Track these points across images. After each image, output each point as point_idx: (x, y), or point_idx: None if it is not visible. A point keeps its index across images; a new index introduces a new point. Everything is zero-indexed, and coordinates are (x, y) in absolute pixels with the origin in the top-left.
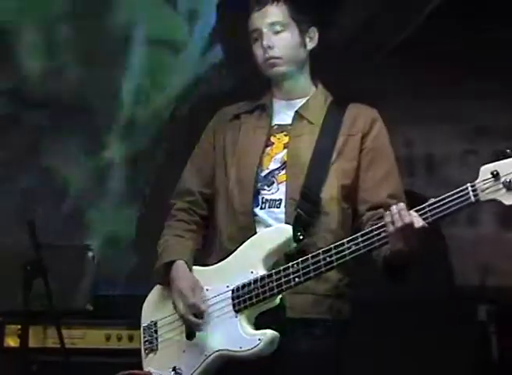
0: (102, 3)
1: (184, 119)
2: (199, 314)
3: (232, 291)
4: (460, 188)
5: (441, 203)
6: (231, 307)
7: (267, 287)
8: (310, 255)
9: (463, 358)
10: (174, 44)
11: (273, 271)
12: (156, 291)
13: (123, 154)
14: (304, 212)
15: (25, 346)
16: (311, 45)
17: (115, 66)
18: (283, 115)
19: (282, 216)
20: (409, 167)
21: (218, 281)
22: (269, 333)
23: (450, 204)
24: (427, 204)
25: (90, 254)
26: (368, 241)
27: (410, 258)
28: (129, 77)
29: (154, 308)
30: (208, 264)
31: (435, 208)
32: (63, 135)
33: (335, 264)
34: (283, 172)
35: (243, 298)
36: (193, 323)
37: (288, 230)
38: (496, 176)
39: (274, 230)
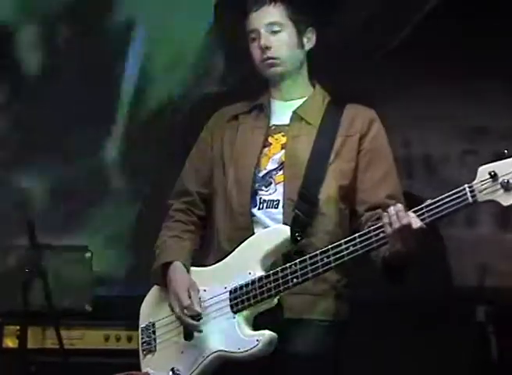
0: (102, 3)
1: (184, 119)
2: (195, 316)
3: (230, 291)
4: (458, 189)
5: (438, 204)
6: (229, 308)
7: (265, 288)
8: (308, 256)
9: (461, 358)
10: (174, 44)
11: (271, 272)
12: (154, 292)
13: (123, 154)
14: (302, 213)
15: (24, 347)
16: (308, 46)
17: (115, 66)
18: (281, 115)
19: (280, 217)
20: (407, 168)
21: (215, 282)
22: (267, 334)
23: (448, 205)
24: (424, 205)
25: (89, 254)
26: (366, 242)
27: (409, 259)
28: (129, 77)
29: (152, 309)
30: (206, 264)
31: (432, 209)
32: (63, 135)
33: (333, 265)
34: (281, 172)
35: (240, 299)
36: (189, 324)
37: (286, 230)
38: (493, 176)
39: (272, 230)
